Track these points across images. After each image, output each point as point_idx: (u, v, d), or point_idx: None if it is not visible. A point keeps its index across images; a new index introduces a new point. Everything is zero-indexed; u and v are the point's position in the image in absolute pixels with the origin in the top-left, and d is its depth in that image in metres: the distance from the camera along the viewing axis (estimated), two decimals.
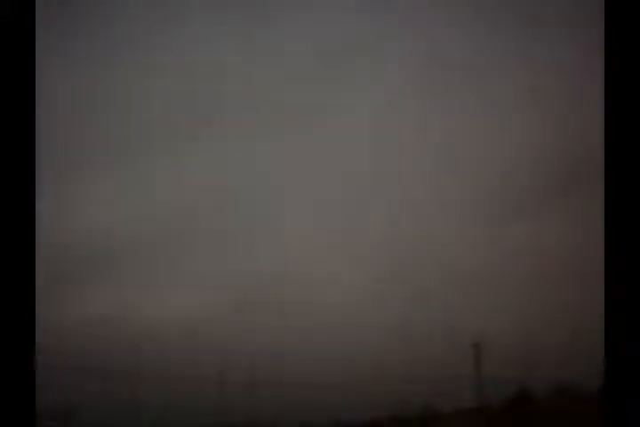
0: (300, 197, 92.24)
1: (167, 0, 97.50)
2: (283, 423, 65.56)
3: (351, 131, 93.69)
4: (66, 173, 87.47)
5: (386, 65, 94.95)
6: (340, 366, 65.23)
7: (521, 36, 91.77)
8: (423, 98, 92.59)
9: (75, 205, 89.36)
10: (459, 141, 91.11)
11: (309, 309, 75.32)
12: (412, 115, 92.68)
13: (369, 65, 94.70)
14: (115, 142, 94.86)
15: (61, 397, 55.51)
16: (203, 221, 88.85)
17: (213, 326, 71.56)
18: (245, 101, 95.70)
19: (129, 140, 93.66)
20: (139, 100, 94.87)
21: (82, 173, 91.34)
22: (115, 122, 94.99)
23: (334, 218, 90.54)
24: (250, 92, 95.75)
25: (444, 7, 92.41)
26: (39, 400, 14.69)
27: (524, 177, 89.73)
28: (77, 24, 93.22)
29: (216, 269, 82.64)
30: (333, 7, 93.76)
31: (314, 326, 70.22)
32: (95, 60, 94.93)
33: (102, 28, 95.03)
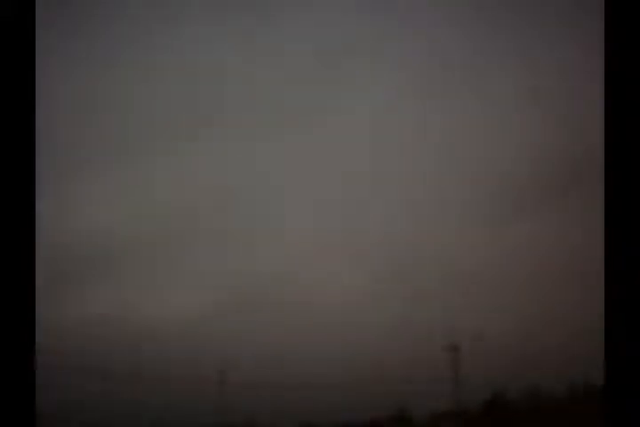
0: (300, 197, 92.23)
1: (167, 0, 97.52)
2: (283, 423, 65.50)
3: (351, 131, 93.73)
4: (66, 173, 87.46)
5: (386, 65, 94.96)
6: (339, 366, 65.14)
7: (521, 36, 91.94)
8: (423, 98, 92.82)
9: (75, 205, 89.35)
10: (459, 141, 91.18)
11: (309, 309, 75.19)
12: (412, 115, 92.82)
13: (369, 65, 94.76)
14: (115, 142, 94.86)
15: (61, 397, 55.47)
16: (202, 221, 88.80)
17: (213, 326, 71.54)
18: (245, 101, 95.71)
19: (129, 140, 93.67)
20: (139, 100, 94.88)
21: (82, 173, 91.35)
22: (115, 122, 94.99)
23: (334, 218, 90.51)
24: (250, 91, 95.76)
25: (444, 7, 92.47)
26: (39, 400, 14.69)
27: (524, 177, 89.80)
28: (77, 24, 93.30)
29: (216, 269, 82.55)
30: (333, 7, 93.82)
31: (314, 327, 70.16)
32: (95, 60, 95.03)
33: (102, 28, 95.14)
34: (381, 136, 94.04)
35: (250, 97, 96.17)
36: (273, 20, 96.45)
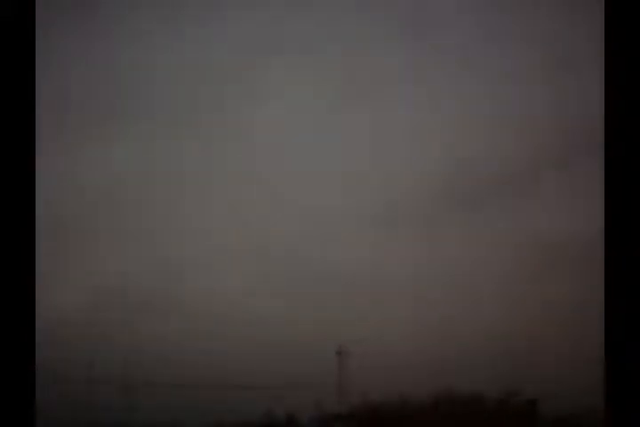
0: (299, 198, 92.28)
1: (167, 0, 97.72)
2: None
3: (352, 131, 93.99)
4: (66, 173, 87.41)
5: (386, 65, 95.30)
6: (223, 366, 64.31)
7: (521, 36, 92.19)
8: (423, 97, 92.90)
9: None
10: (459, 141, 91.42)
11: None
12: (412, 114, 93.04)
13: (368, 65, 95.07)
14: (114, 142, 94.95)
15: None
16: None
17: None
18: (245, 101, 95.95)
19: (128, 140, 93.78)
20: (139, 100, 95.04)
21: (81, 172, 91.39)
22: (114, 122, 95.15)
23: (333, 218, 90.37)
24: (249, 91, 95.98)
25: (444, 7, 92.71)
26: None
27: (524, 176, 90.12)
28: (77, 24, 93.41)
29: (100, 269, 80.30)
30: (333, 7, 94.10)
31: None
32: (95, 60, 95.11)
33: (102, 28, 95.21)
34: (381, 136, 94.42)
35: (249, 96, 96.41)
36: (273, 19, 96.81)
